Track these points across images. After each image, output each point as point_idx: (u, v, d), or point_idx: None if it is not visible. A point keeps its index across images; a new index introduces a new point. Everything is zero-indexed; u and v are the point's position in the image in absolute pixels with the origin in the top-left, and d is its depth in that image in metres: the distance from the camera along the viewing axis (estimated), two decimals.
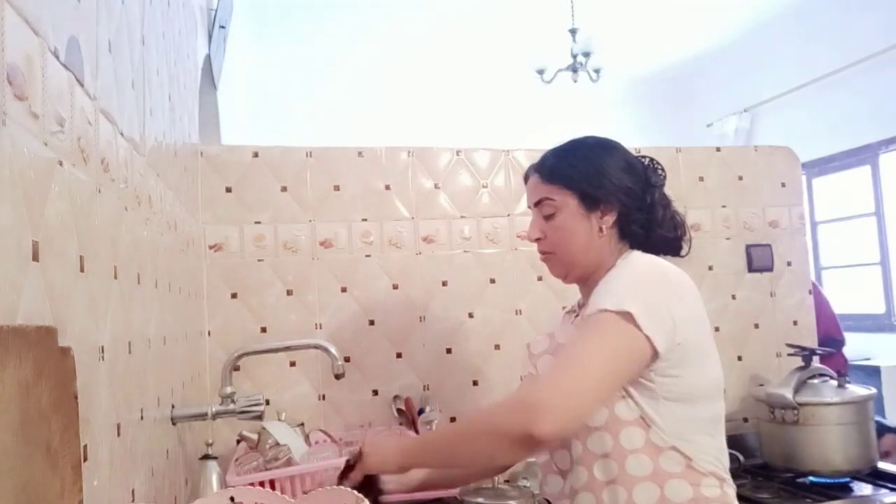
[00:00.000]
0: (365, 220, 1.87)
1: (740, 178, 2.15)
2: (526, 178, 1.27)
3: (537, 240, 1.21)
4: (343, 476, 1.12)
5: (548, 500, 1.20)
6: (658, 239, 1.18)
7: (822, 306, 2.33)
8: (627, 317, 0.99)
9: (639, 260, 1.13)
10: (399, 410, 1.78)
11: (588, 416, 1.06)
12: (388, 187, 1.89)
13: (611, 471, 1.05)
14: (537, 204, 1.21)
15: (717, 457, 1.07)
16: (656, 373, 1.03)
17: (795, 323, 2.13)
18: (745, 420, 1.98)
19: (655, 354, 1.01)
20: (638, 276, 1.08)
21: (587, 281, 1.19)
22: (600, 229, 1.16)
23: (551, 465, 1.16)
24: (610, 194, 1.15)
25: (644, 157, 1.23)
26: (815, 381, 1.70)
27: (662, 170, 1.23)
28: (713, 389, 1.10)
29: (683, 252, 1.21)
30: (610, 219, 1.16)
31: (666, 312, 1.02)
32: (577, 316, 1.23)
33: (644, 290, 1.04)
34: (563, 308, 1.36)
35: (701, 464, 1.04)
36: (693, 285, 1.10)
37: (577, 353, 1.01)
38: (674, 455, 1.04)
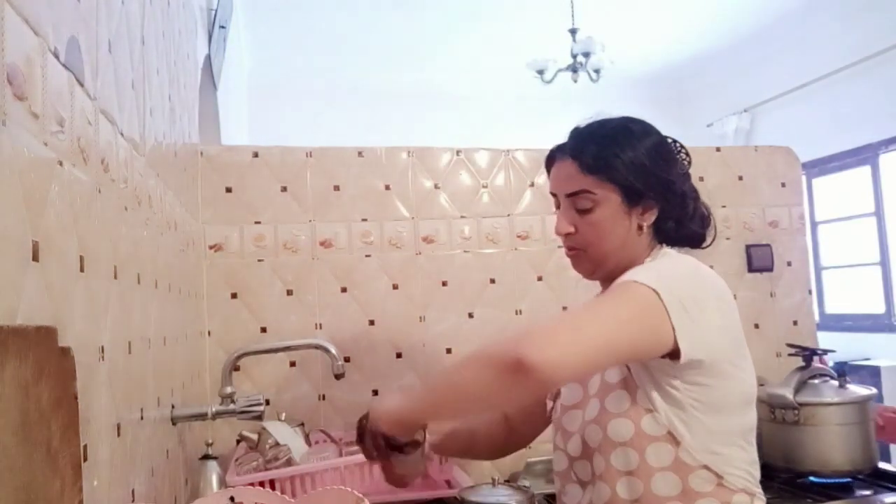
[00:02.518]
0: (365, 220, 1.87)
1: (740, 178, 2.15)
2: (551, 160, 1.12)
3: (567, 234, 1.09)
4: (360, 441, 1.02)
5: (548, 500, 1.19)
6: (688, 234, 1.10)
7: None
8: (657, 295, 0.92)
9: (676, 258, 1.07)
10: None
11: (585, 369, 0.97)
12: (388, 187, 1.89)
13: (635, 489, 0.98)
14: (572, 195, 1.07)
15: (748, 470, 1.00)
16: (683, 381, 0.96)
17: (795, 323, 2.13)
18: None
19: (675, 352, 0.92)
20: (676, 272, 1.01)
21: (615, 279, 1.08)
22: (639, 227, 1.06)
23: (570, 475, 1.08)
24: (653, 189, 1.05)
25: (667, 137, 1.12)
26: (816, 381, 1.69)
27: (687, 154, 1.13)
28: (746, 399, 1.02)
29: (706, 244, 1.13)
30: (651, 216, 1.06)
31: (694, 311, 0.94)
32: None
33: (680, 289, 0.95)
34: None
35: (732, 480, 0.97)
36: (727, 289, 1.03)
37: (591, 306, 0.95)
38: (704, 474, 0.96)
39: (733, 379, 0.99)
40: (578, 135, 1.09)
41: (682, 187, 1.08)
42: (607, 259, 1.07)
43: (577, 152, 1.06)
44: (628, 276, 0.97)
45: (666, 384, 0.96)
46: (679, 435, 0.96)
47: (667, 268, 1.02)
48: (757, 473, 1.02)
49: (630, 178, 1.03)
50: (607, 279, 1.09)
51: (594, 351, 0.90)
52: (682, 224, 1.09)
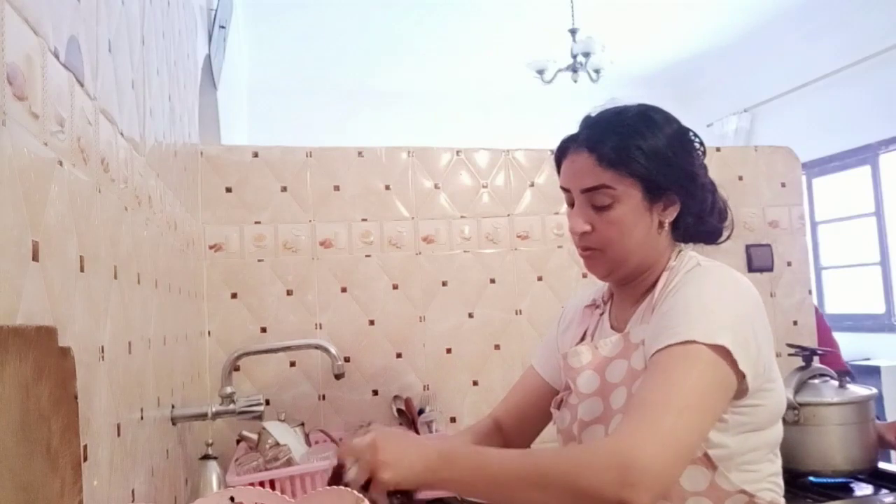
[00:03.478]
0: (365, 220, 1.87)
1: (740, 178, 2.15)
2: (563, 153, 1.03)
3: (583, 233, 1.00)
4: (338, 477, 0.92)
5: None
6: (707, 229, 1.04)
7: (822, 333, 2.26)
8: (722, 352, 0.85)
9: (709, 273, 0.96)
10: (399, 410, 1.78)
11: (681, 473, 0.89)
12: (388, 187, 1.89)
13: None
14: (588, 190, 0.98)
15: (775, 482, 0.98)
16: (733, 406, 0.90)
17: (795, 323, 2.13)
18: None
19: (743, 392, 0.89)
20: (717, 295, 0.92)
21: (632, 282, 1.04)
22: (660, 224, 0.99)
23: None
24: (676, 182, 0.97)
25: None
26: (816, 381, 1.69)
27: (702, 143, 1.04)
28: (779, 411, 0.98)
29: (722, 239, 1.06)
30: (673, 212, 0.99)
31: (753, 343, 0.89)
32: (602, 313, 1.11)
33: (731, 317, 0.89)
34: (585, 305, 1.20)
35: (762, 495, 0.94)
36: (757, 293, 0.96)
37: (676, 396, 0.82)
38: (740, 497, 0.92)
39: (771, 393, 0.95)
40: (594, 124, 1.00)
41: (703, 179, 1.01)
42: (627, 260, 1.00)
43: (595, 144, 0.97)
44: (683, 331, 0.86)
45: None
46: (716, 458, 0.91)
47: (712, 298, 0.92)
48: (781, 482, 0.99)
49: (653, 172, 0.95)
50: (624, 281, 1.05)
51: (691, 453, 0.85)
52: (702, 219, 1.02)
